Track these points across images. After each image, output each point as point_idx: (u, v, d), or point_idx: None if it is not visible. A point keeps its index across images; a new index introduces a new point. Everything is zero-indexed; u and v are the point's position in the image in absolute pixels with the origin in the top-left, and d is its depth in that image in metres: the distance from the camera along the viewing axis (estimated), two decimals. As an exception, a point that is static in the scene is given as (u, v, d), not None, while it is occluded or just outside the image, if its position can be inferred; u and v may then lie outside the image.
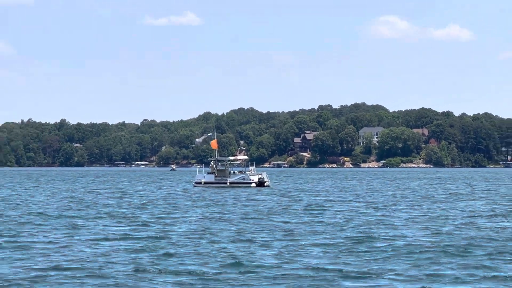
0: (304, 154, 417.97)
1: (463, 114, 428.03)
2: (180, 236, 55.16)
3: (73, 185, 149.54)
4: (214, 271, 41.10)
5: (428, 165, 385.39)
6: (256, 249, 48.22)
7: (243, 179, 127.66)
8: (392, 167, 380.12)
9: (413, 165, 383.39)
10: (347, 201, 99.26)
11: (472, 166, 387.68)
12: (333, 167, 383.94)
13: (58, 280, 34.63)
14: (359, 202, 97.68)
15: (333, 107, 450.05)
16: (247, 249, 48.52)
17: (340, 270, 39.08)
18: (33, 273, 35.83)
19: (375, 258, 42.96)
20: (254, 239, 53.72)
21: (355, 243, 48.13)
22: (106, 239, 48.85)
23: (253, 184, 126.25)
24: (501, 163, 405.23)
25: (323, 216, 72.51)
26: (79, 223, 67.23)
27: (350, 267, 41.10)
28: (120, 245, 50.56)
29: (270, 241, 51.77)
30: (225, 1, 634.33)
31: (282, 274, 39.78)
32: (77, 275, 36.62)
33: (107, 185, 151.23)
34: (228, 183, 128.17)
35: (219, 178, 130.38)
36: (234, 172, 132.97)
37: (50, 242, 50.37)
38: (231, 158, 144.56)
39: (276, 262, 43.42)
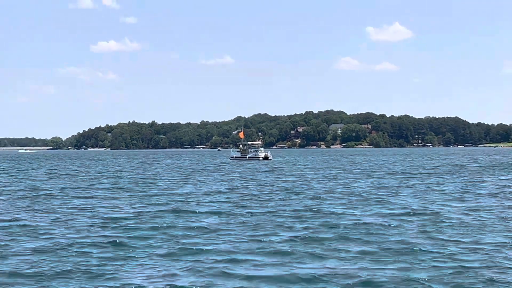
0: (296, 140, 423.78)
1: (392, 115, 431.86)
2: (233, 179, 60.74)
3: (178, 161, 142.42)
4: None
5: (371, 147, 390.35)
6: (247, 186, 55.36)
7: (255, 155, 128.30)
8: (349, 147, 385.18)
9: (362, 147, 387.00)
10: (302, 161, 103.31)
11: (397, 147, 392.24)
12: (314, 148, 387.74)
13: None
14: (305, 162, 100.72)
15: (314, 112, 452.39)
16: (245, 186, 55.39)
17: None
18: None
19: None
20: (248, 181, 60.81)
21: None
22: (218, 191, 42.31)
23: (261, 158, 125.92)
24: (414, 144, 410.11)
25: (289, 175, 72.12)
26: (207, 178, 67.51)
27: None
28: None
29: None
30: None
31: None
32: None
33: (193, 160, 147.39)
34: (247, 158, 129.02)
35: (243, 155, 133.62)
36: (251, 151, 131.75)
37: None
38: (250, 143, 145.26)
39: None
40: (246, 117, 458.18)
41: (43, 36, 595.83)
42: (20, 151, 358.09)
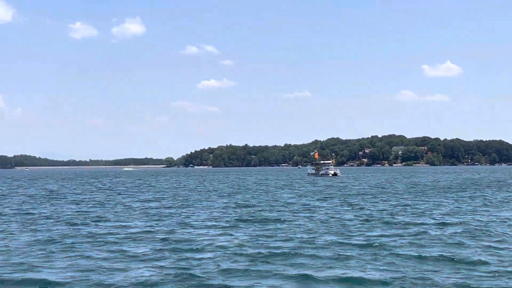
0: (364, 160, 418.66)
1: (445, 138, 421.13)
2: (310, 191, 63.63)
3: (262, 176, 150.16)
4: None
5: (427, 165, 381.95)
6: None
7: (326, 172, 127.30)
8: (409, 165, 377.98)
9: (419, 165, 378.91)
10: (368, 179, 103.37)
11: (450, 165, 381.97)
12: (378, 166, 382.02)
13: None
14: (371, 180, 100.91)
15: (378, 136, 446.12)
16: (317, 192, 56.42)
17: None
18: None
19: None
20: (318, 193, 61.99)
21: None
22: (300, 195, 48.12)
23: (330, 174, 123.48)
24: (464, 163, 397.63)
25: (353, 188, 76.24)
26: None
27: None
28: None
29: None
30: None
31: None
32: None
33: (277, 175, 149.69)
34: (320, 174, 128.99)
35: (317, 172, 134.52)
36: (323, 169, 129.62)
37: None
38: (322, 162, 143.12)
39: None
40: (322, 140, 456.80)
41: (159, 76, 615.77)
42: (124, 168, 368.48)
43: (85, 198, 52.84)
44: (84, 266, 17.68)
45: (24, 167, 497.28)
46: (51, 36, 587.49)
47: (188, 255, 19.53)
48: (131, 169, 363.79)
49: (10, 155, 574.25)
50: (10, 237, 24.47)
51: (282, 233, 25.13)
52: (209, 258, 18.90)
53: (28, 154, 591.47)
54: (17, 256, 19.53)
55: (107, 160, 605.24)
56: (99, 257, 19.05)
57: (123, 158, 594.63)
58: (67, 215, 35.22)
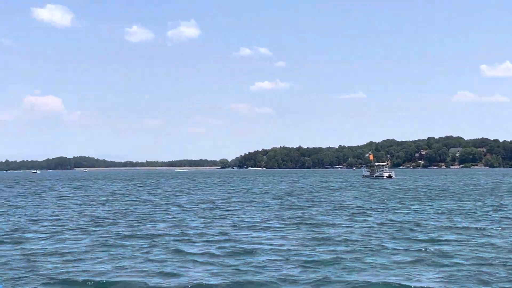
0: (420, 161, 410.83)
1: (504, 140, 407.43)
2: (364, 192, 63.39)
3: (323, 178, 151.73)
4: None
5: (486, 167, 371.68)
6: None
7: (381, 174, 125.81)
8: (467, 168, 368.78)
9: (478, 167, 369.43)
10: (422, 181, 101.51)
11: (510, 167, 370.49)
12: (435, 169, 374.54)
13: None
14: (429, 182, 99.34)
15: (435, 137, 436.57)
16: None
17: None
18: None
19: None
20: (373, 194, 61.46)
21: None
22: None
23: (385, 177, 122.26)
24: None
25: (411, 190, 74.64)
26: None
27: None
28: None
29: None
30: None
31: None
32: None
33: (331, 177, 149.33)
34: (374, 176, 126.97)
35: (371, 174, 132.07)
36: (378, 171, 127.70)
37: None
38: (377, 164, 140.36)
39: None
40: (377, 142, 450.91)
41: (214, 78, 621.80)
42: (177, 170, 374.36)
43: (141, 199, 53.64)
44: (141, 267, 17.77)
45: (83, 168, 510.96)
46: (108, 40, 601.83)
47: (243, 257, 19.52)
48: (183, 170, 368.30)
49: (70, 156, 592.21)
50: (68, 239, 24.86)
51: (337, 236, 24.79)
52: (264, 261, 18.79)
53: (86, 156, 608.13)
54: (75, 258, 19.76)
55: (163, 161, 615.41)
56: (155, 258, 19.14)
57: (178, 159, 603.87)
58: (127, 215, 35.77)
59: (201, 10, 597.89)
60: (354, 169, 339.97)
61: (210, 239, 24.05)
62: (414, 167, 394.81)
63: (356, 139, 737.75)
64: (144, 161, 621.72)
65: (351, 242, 23.05)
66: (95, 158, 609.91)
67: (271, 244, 22.34)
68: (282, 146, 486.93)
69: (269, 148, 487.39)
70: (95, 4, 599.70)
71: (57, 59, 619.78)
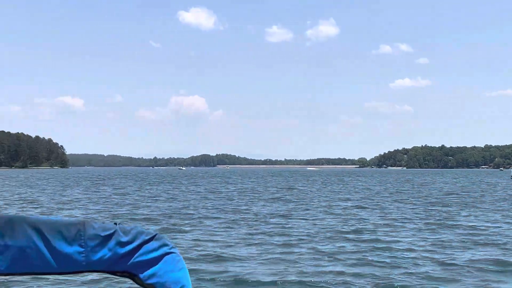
0: None
1: None
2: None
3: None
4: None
5: None
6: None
7: None
8: None
9: None
10: None
11: None
12: None
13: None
14: None
15: None
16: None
17: None
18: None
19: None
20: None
21: None
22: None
23: None
24: None
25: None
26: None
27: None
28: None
29: None
30: None
31: None
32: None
33: (474, 178, 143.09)
34: None
35: None
36: None
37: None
38: None
39: None
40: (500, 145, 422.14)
41: (352, 76, 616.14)
42: (308, 168, 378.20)
43: (282, 196, 54.17)
44: (279, 264, 17.54)
45: (225, 166, 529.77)
46: (249, 41, 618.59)
47: (383, 255, 18.74)
48: (315, 169, 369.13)
49: (213, 154, 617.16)
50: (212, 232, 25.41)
51: (481, 240, 23.00)
52: (403, 260, 17.88)
53: (228, 153, 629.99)
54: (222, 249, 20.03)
55: (301, 159, 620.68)
56: (290, 258, 18.78)
57: (316, 158, 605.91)
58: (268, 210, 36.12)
59: (340, 8, 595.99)
60: (501, 170, 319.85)
61: (348, 237, 23.36)
62: None
63: (504, 138, 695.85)
64: (283, 159, 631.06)
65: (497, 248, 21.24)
66: (236, 156, 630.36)
67: (409, 243, 21.40)
68: (423, 145, 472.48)
69: (410, 147, 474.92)
70: (236, 6, 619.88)
71: (201, 60, 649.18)
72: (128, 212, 34.55)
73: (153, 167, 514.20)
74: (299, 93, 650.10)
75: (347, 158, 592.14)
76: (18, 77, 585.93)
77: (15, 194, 54.81)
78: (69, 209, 36.82)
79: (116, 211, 35.35)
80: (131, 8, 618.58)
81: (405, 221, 29.97)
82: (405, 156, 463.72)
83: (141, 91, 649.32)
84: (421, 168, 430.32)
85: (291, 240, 21.95)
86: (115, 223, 2.21)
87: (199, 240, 21.99)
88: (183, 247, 19.73)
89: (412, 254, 18.98)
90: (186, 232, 24.48)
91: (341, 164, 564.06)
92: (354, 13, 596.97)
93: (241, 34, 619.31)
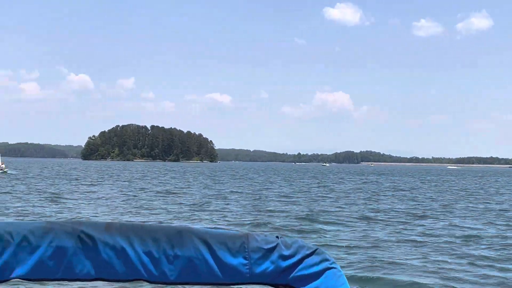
0: None
1: None
2: None
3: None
4: None
5: None
6: None
7: None
8: None
9: None
10: None
11: None
12: None
13: None
14: None
15: None
16: None
17: None
18: None
19: None
20: None
21: None
22: None
23: None
24: None
25: None
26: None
27: None
28: None
29: None
30: None
31: None
32: None
33: None
34: None
35: None
36: None
37: None
38: None
39: None
40: None
41: (505, 70, 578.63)
42: (448, 167, 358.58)
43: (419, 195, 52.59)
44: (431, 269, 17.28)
45: (369, 163, 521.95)
46: (396, 36, 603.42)
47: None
48: (454, 167, 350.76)
49: (357, 151, 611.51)
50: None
51: None
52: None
53: (373, 151, 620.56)
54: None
55: (450, 158, 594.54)
56: (438, 259, 18.38)
57: (466, 156, 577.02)
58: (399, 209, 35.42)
59: (493, 0, 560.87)
60: None
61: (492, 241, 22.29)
62: None
63: None
64: (430, 157, 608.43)
65: None
66: (381, 153, 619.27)
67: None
68: None
69: None
70: (382, 1, 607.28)
71: (345, 56, 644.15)
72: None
73: (295, 162, 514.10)
74: (446, 89, 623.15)
75: (500, 157, 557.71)
76: (171, 77, 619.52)
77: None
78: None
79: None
80: (276, 5, 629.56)
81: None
82: None
83: (285, 87, 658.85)
84: None
85: None
86: (277, 236, 2.24)
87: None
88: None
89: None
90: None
91: (494, 164, 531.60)
92: (509, 4, 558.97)
93: (387, 28, 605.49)
